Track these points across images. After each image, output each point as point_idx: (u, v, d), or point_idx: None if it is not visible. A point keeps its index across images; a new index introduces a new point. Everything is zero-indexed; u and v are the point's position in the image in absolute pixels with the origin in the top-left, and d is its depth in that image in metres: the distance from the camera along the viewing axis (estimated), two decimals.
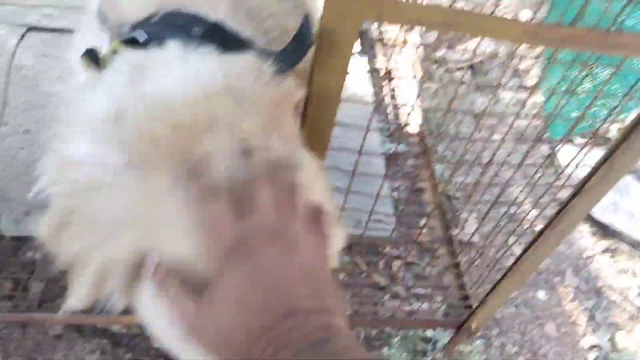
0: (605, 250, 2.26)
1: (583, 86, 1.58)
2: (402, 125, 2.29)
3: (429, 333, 1.84)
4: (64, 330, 1.60)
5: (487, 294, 1.46)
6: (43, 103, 1.96)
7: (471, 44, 2.91)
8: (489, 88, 2.72)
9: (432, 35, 2.90)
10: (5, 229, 1.64)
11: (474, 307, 1.58)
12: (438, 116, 2.43)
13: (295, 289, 0.57)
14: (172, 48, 0.81)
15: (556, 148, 2.45)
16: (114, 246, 0.63)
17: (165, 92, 0.73)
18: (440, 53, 2.86)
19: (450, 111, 2.32)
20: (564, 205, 1.17)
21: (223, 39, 0.86)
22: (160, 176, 0.65)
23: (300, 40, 0.91)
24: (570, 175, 1.32)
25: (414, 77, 2.45)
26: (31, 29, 2.22)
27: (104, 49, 0.91)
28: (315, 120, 0.92)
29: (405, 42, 2.52)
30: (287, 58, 0.87)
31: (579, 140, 2.59)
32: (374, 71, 2.47)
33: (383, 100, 2.36)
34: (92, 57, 0.89)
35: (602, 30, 0.92)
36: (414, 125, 2.28)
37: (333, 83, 0.90)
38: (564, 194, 1.20)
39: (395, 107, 2.38)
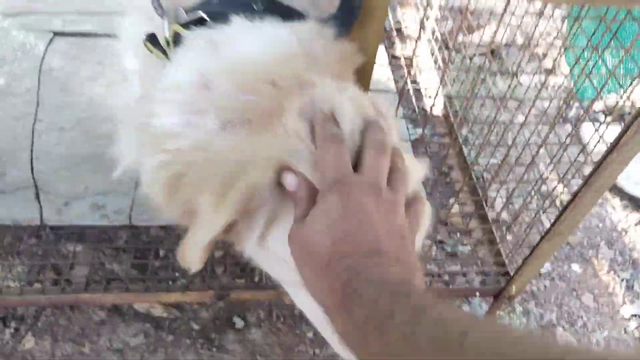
0: (638, 223, 2.25)
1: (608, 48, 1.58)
2: (425, 110, 2.31)
3: (466, 308, 1.84)
4: (107, 315, 1.63)
5: (525, 259, 1.46)
6: (75, 102, 2.01)
7: (488, 30, 2.93)
8: (508, 73, 2.73)
9: (449, 24, 2.93)
10: (47, 219, 1.68)
11: (511, 274, 1.58)
12: (460, 101, 2.45)
13: (384, 236, 0.61)
14: (240, 22, 0.87)
15: (578, 126, 2.46)
16: (252, 175, 0.68)
17: (248, 57, 0.80)
18: (458, 40, 2.89)
19: (472, 96, 2.33)
20: (586, 180, 1.19)
21: (281, 12, 0.91)
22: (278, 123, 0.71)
23: (348, 6, 0.94)
24: (592, 151, 1.35)
25: (435, 63, 2.47)
26: (58, 34, 2.28)
27: (164, 32, 0.97)
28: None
29: (422, 29, 2.55)
30: (339, 24, 0.91)
31: (601, 117, 2.60)
32: (393, 59, 2.50)
33: (405, 87, 2.38)
34: (153, 40, 0.95)
35: None
36: (437, 110, 2.30)
37: (372, 42, 0.93)
38: (588, 169, 1.23)
39: (418, 92, 2.40)
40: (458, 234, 1.98)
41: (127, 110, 1.14)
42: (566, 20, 2.39)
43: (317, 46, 0.87)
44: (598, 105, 2.61)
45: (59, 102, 2.00)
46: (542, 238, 1.35)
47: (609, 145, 1.13)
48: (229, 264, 1.68)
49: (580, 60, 1.62)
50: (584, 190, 1.21)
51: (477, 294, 1.57)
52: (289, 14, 0.94)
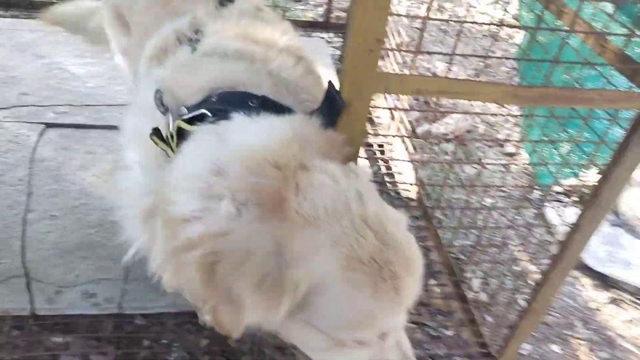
0: (610, 301, 2.38)
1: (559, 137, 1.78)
2: (400, 195, 2.47)
3: None
4: None
5: (507, 338, 1.55)
6: (66, 190, 2.08)
7: (450, 119, 3.19)
8: (474, 157, 2.95)
9: (415, 114, 3.17)
10: (38, 309, 1.69)
11: (493, 354, 1.66)
12: (432, 187, 2.62)
13: None
14: (240, 116, 1.00)
15: (541, 209, 2.66)
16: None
17: (252, 144, 0.93)
18: (424, 128, 3.12)
19: (442, 183, 2.51)
20: (555, 259, 1.34)
21: (273, 108, 1.05)
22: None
23: (330, 104, 1.09)
24: (557, 231, 1.50)
25: (406, 149, 2.66)
26: (49, 125, 2.39)
27: (168, 127, 1.09)
28: None
29: (392, 118, 2.77)
30: (324, 117, 1.05)
31: (565, 199, 2.81)
32: (366, 146, 2.68)
33: (379, 171, 2.55)
34: (158, 134, 1.08)
35: (571, 88, 1.13)
36: (412, 193, 2.46)
37: (356, 140, 1.08)
38: (555, 247, 1.37)
39: (391, 176, 2.56)
40: (439, 316, 2.06)
41: (130, 195, 1.23)
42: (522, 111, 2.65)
43: (308, 133, 1.02)
44: (559, 188, 2.82)
45: (50, 190, 2.07)
46: (520, 317, 1.46)
47: (570, 225, 1.28)
48: (215, 353, 1.72)
49: (536, 149, 1.81)
50: (552, 268, 1.34)
51: None
52: (280, 109, 1.10)
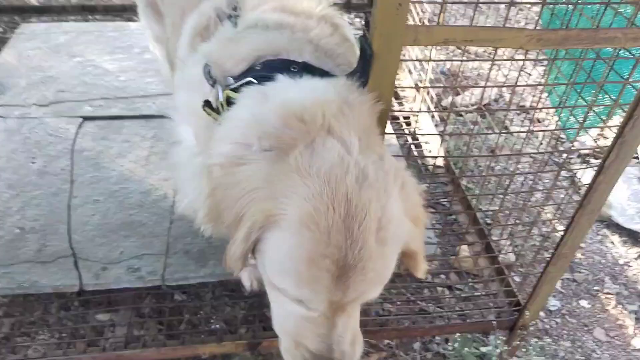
0: (639, 257, 2.36)
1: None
2: (427, 165, 2.49)
3: (484, 349, 1.92)
4: None
5: (535, 285, 1.57)
6: (106, 177, 2.19)
7: (477, 90, 3.18)
8: (500, 125, 2.94)
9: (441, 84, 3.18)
10: (86, 284, 1.80)
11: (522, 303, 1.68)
12: (458, 154, 2.64)
13: None
14: (285, 78, 1.08)
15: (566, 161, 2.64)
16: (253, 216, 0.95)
17: (291, 101, 1.01)
18: (449, 100, 3.13)
19: (469, 149, 2.53)
20: (581, 203, 1.36)
21: (313, 72, 1.12)
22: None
23: (365, 63, 1.14)
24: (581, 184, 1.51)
25: (432, 118, 2.68)
26: (87, 118, 2.51)
27: (217, 99, 1.18)
28: None
29: (417, 90, 2.78)
30: (359, 77, 1.11)
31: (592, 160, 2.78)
32: (393, 118, 2.71)
33: (406, 143, 2.58)
34: (209, 105, 1.17)
35: (593, 28, 1.14)
36: (439, 161, 2.48)
37: (386, 94, 1.12)
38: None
39: (419, 148, 2.59)
40: (469, 278, 2.09)
41: (183, 162, 1.33)
42: (547, 70, 2.62)
43: (350, 95, 1.08)
44: (584, 143, 2.80)
45: (91, 178, 2.19)
46: (548, 263, 1.48)
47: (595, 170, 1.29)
48: (252, 322, 1.79)
49: (563, 99, 1.81)
50: (579, 212, 1.36)
51: (495, 324, 1.66)
52: (320, 73, 1.17)
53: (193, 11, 1.53)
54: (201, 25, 1.46)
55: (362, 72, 1.10)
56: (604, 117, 1.52)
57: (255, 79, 1.14)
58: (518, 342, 1.76)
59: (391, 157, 1.09)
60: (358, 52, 1.13)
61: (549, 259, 1.49)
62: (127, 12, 3.57)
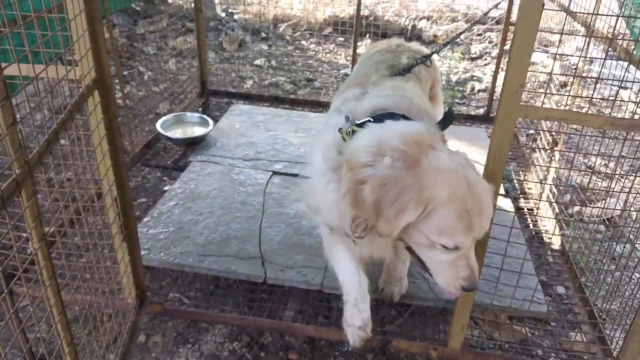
0: None
1: None
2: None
3: None
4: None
5: (625, 337, 1.90)
6: (286, 212, 2.94)
7: (605, 203, 3.50)
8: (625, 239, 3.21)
9: (567, 197, 3.57)
10: (269, 278, 2.48)
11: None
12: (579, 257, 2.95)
13: None
14: (391, 120, 1.78)
15: None
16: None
17: (399, 130, 1.67)
18: (575, 209, 3.49)
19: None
20: None
21: (407, 119, 1.80)
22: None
23: (447, 118, 1.83)
24: None
25: (557, 222, 3.09)
26: (275, 173, 3.35)
27: (346, 132, 1.84)
28: (490, 168, 1.69)
29: (541, 197, 3.24)
30: (441, 126, 1.80)
31: None
32: (518, 209, 3.19)
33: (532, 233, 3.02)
34: (341, 130, 1.82)
35: None
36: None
37: (504, 146, 1.69)
38: None
39: (536, 231, 3.01)
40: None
41: (329, 207, 1.89)
42: None
43: (433, 130, 1.72)
44: None
45: (276, 212, 2.95)
46: (636, 314, 1.83)
47: None
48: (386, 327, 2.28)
49: None
50: None
51: None
52: (412, 120, 1.82)
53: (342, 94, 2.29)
54: (343, 101, 2.14)
55: (443, 124, 1.79)
56: None
57: (373, 119, 1.79)
58: None
59: (464, 154, 1.69)
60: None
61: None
62: (307, 105, 4.60)
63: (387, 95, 1.99)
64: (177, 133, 3.82)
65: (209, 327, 2.42)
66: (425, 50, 2.78)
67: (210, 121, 3.86)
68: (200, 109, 4.45)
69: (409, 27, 6.78)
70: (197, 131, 3.82)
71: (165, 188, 3.31)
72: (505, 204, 3.11)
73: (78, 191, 1.83)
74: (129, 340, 1.98)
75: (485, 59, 6.25)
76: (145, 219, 2.82)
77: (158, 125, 3.74)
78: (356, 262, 2.00)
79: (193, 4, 4.25)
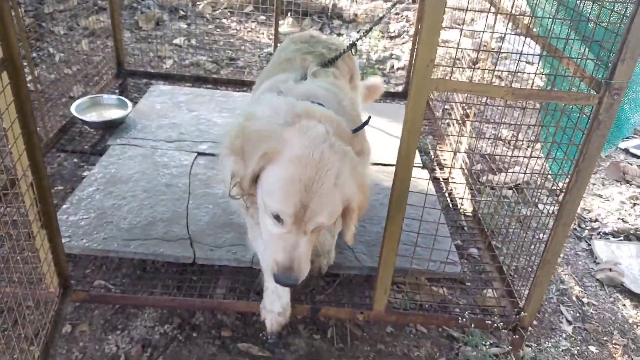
0: None
1: None
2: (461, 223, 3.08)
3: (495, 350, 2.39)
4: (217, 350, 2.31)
5: (530, 289, 2.10)
6: (213, 193, 2.93)
7: (513, 170, 3.79)
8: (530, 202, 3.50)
9: (479, 166, 3.82)
10: (199, 258, 2.48)
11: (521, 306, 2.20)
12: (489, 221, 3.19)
13: None
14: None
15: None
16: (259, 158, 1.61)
17: (305, 104, 1.78)
18: (484, 178, 3.74)
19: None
20: (557, 217, 1.93)
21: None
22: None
23: (362, 125, 1.93)
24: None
25: (470, 190, 3.30)
26: (200, 154, 3.32)
27: None
28: (406, 140, 1.79)
29: (453, 167, 3.44)
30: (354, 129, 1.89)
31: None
32: (434, 179, 3.37)
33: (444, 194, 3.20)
34: None
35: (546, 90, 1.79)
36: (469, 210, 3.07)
37: (418, 118, 1.78)
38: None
39: (454, 205, 3.20)
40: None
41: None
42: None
43: (341, 120, 1.83)
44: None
45: (202, 192, 2.94)
46: (537, 268, 2.02)
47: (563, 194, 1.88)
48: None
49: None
50: (555, 224, 1.93)
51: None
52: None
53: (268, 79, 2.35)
54: (268, 87, 2.23)
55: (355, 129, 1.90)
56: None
57: None
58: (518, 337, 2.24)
59: (351, 150, 1.72)
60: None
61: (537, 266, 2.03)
62: (230, 84, 4.55)
63: (324, 88, 2.06)
64: (93, 116, 3.65)
65: (138, 312, 2.39)
66: (339, 41, 2.93)
67: (129, 103, 3.72)
68: (117, 91, 4.29)
69: (330, 6, 6.83)
70: (115, 114, 3.67)
71: (84, 174, 3.19)
72: (423, 174, 3.27)
73: None
74: (52, 330, 1.92)
75: (404, 38, 6.44)
76: (65, 206, 2.71)
77: (72, 108, 3.57)
78: None
79: None
